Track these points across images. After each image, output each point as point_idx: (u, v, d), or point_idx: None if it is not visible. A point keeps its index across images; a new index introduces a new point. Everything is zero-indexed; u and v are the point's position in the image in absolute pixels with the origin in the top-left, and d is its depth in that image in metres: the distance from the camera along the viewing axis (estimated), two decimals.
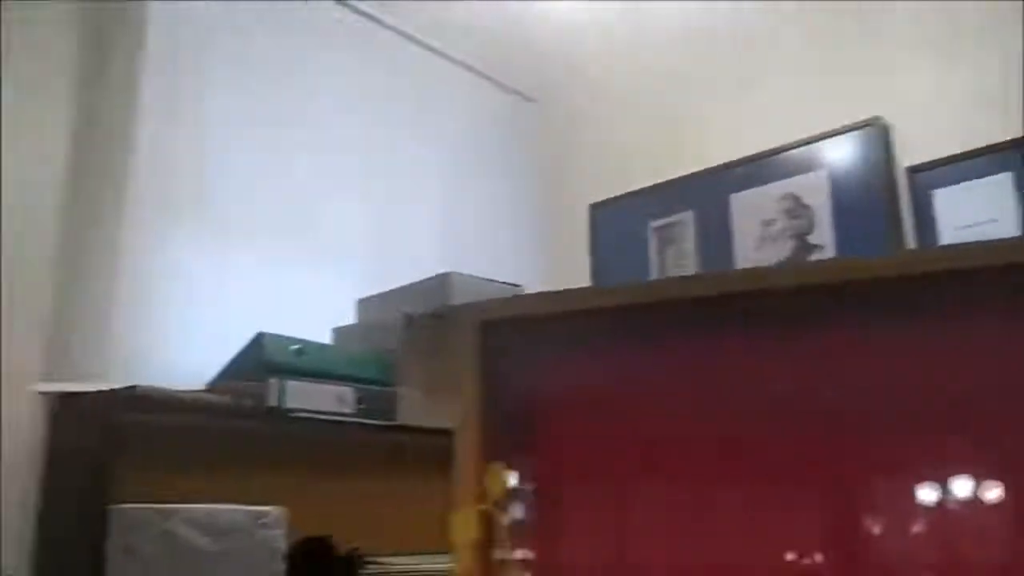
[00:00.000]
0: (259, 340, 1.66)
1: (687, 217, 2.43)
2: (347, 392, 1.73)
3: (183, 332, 1.84)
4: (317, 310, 2.04)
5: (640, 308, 0.89)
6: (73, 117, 1.88)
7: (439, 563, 1.76)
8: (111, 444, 1.43)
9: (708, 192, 2.39)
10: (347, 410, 1.73)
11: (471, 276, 1.93)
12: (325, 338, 1.99)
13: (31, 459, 1.64)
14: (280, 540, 1.55)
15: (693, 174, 2.44)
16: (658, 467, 0.88)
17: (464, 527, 0.88)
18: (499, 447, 0.91)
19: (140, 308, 1.81)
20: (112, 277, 1.79)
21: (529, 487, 0.91)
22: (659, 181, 2.51)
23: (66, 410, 1.54)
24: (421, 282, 1.96)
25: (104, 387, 1.48)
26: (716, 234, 2.35)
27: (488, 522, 0.89)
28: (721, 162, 2.39)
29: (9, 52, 1.79)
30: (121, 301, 1.79)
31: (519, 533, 0.90)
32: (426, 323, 1.86)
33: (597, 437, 0.91)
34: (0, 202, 1.71)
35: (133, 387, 1.44)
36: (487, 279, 1.98)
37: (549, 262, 2.68)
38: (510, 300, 1.12)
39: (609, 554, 0.88)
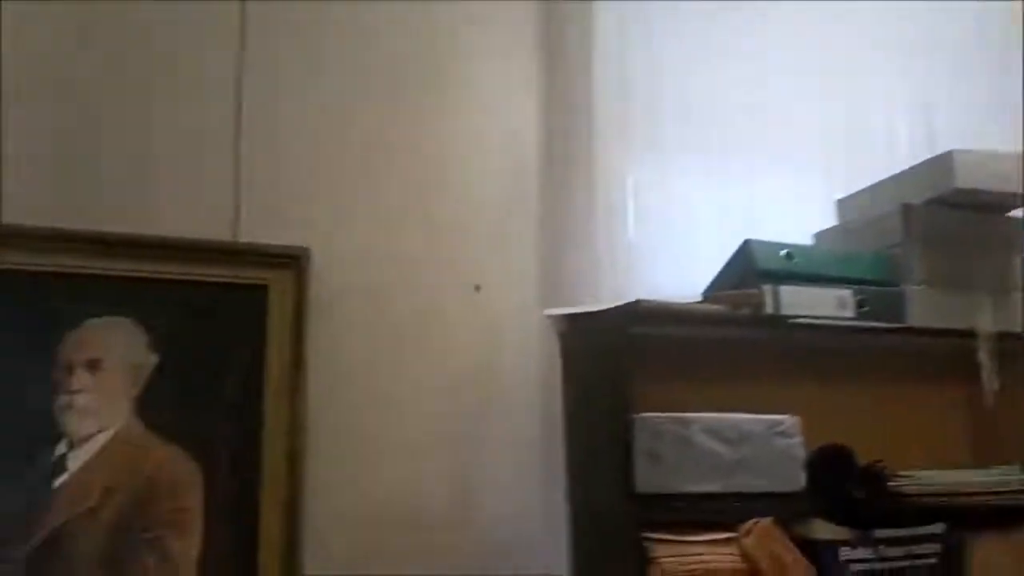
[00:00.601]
0: (746, 247, 1.60)
1: None
2: (846, 295, 1.60)
3: (666, 248, 1.87)
4: (794, 217, 1.93)
5: None
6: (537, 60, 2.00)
7: (978, 479, 1.57)
8: (623, 357, 1.48)
9: None
10: (848, 314, 1.60)
11: (977, 152, 1.66)
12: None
13: (546, 378, 1.81)
14: (799, 448, 1.49)
15: None
16: None
17: None
18: None
19: (619, 229, 1.88)
20: (591, 203, 1.86)
21: None
22: None
23: (575, 331, 1.64)
24: (913, 169, 1.74)
25: (608, 305, 1.54)
26: None
27: None
28: None
29: None
30: (600, 225, 1.87)
31: None
32: (931, 211, 1.65)
33: None
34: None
35: (636, 302, 1.47)
36: (994, 152, 1.69)
37: None
38: None
39: None
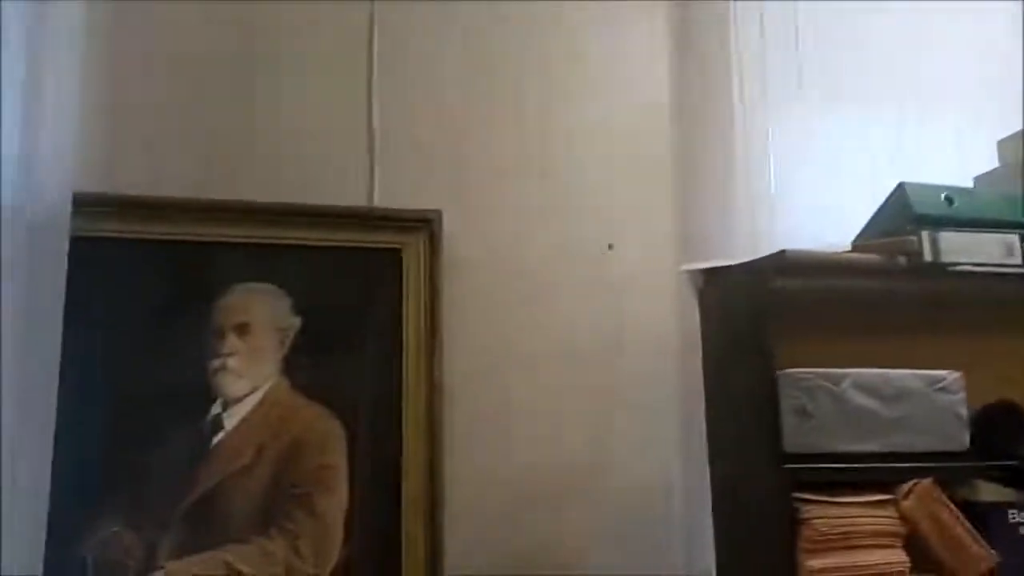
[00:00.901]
0: (901, 191, 1.50)
1: None
2: (1013, 240, 1.48)
3: (811, 200, 1.79)
4: (952, 161, 1.81)
5: None
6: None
7: None
8: (768, 311, 1.42)
9: None
10: (1015, 260, 1.48)
11: None
12: None
13: (682, 336, 1.76)
14: (962, 405, 1.40)
15: None
16: None
17: None
18: None
19: (761, 182, 1.80)
20: (730, 157, 1.79)
21: None
22: None
23: (714, 286, 1.58)
24: None
25: (750, 258, 1.48)
26: None
27: None
28: None
29: None
30: (740, 179, 1.80)
31: None
32: None
33: None
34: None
35: (782, 252, 1.40)
36: None
37: None
38: None
39: None
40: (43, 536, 1.38)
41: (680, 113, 1.89)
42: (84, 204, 1.52)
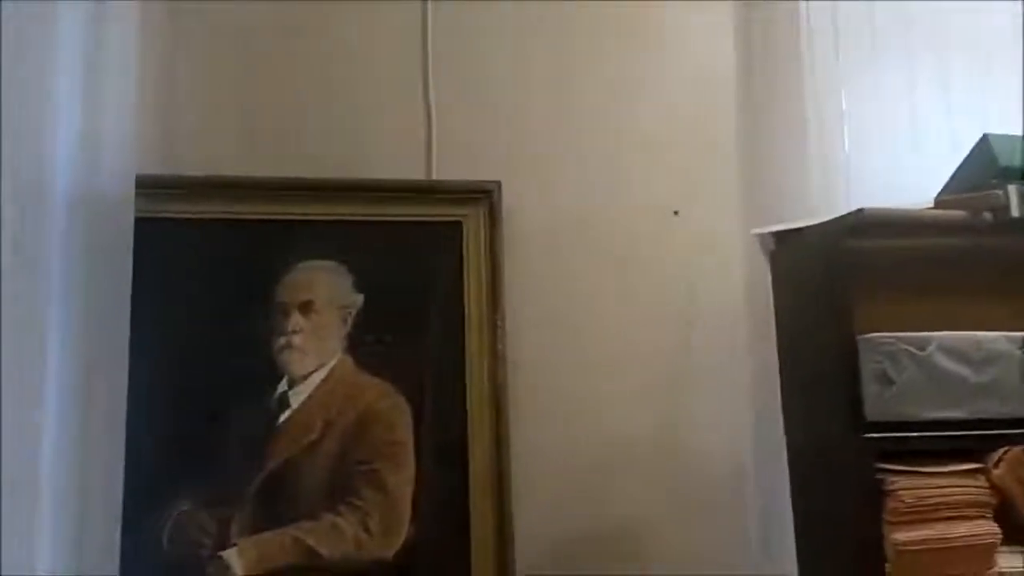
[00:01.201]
0: (985, 143, 1.42)
1: None
2: None
3: (886, 160, 1.71)
4: None
5: None
6: None
7: None
8: (845, 273, 1.35)
9: None
10: None
11: None
12: None
13: (752, 302, 1.71)
14: None
15: None
16: None
17: None
18: None
19: (834, 143, 1.73)
20: (801, 118, 1.72)
21: None
22: None
23: (787, 249, 1.52)
24: None
25: (825, 218, 1.41)
26: None
27: None
28: None
29: None
30: (812, 140, 1.73)
31: None
32: None
33: None
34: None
35: (860, 211, 1.33)
36: None
37: None
38: None
39: None
40: (119, 516, 1.39)
41: (747, 74, 1.82)
42: (146, 186, 1.52)
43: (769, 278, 1.55)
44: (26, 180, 1.43)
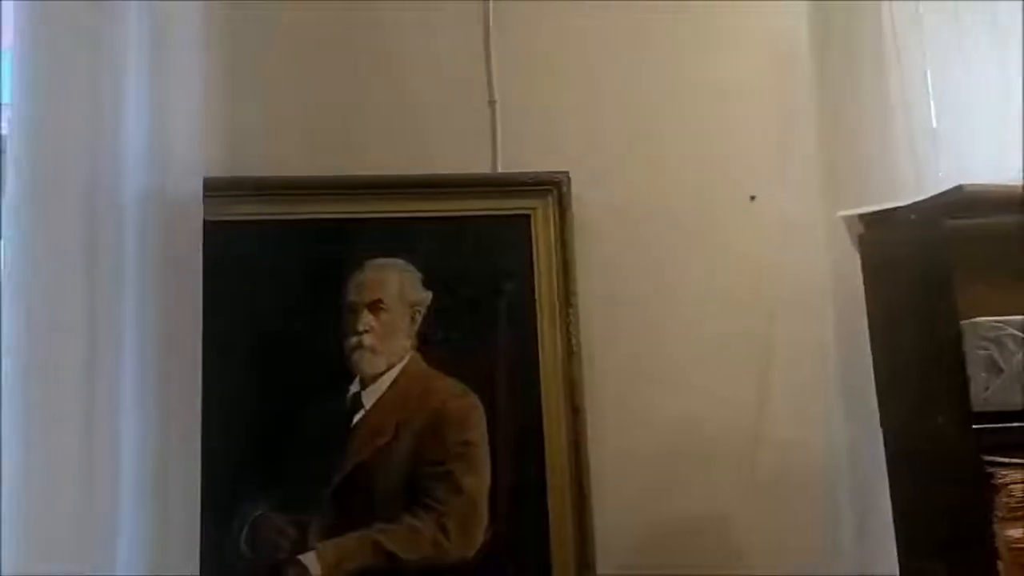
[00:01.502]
0: None
1: None
2: None
3: (977, 135, 1.61)
4: None
5: None
6: None
7: None
8: (945, 255, 1.27)
9: None
10: None
11: None
12: None
13: (837, 288, 1.63)
14: None
15: None
16: None
17: None
18: None
19: (920, 119, 1.64)
20: (884, 95, 1.64)
21: None
22: None
23: (878, 231, 1.44)
24: None
25: (920, 198, 1.33)
26: None
27: None
28: None
29: None
30: (897, 117, 1.64)
31: None
32: None
33: None
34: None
35: (959, 187, 1.25)
36: None
37: None
38: None
39: None
40: (197, 519, 1.38)
41: (824, 52, 1.74)
42: (214, 188, 1.51)
43: (858, 263, 1.47)
44: (97, 185, 1.44)
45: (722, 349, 1.66)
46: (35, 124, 1.43)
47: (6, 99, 1.46)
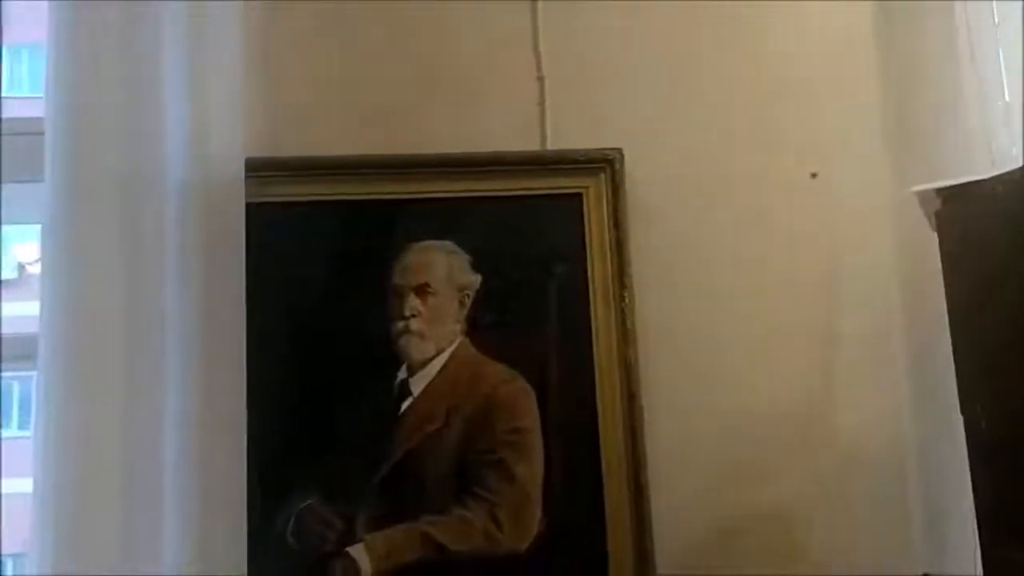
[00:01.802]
0: None
1: None
2: None
3: None
4: None
5: None
6: None
7: None
8: None
9: None
10: None
11: None
12: None
13: (904, 269, 1.56)
14: None
15: None
16: None
17: None
18: None
19: (993, 90, 1.55)
20: (956, 66, 1.55)
21: None
22: None
23: (956, 207, 1.35)
24: None
25: (1007, 169, 1.25)
26: None
27: None
28: None
29: None
30: (968, 89, 1.55)
31: None
32: None
33: None
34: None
35: None
36: None
37: None
38: None
39: None
40: (243, 512, 1.35)
41: (890, 22, 1.65)
42: (256, 169, 1.47)
43: (933, 242, 1.39)
44: (139, 171, 1.42)
45: (784, 335, 1.59)
46: (73, 113, 1.40)
47: (17, 92, 1.44)
